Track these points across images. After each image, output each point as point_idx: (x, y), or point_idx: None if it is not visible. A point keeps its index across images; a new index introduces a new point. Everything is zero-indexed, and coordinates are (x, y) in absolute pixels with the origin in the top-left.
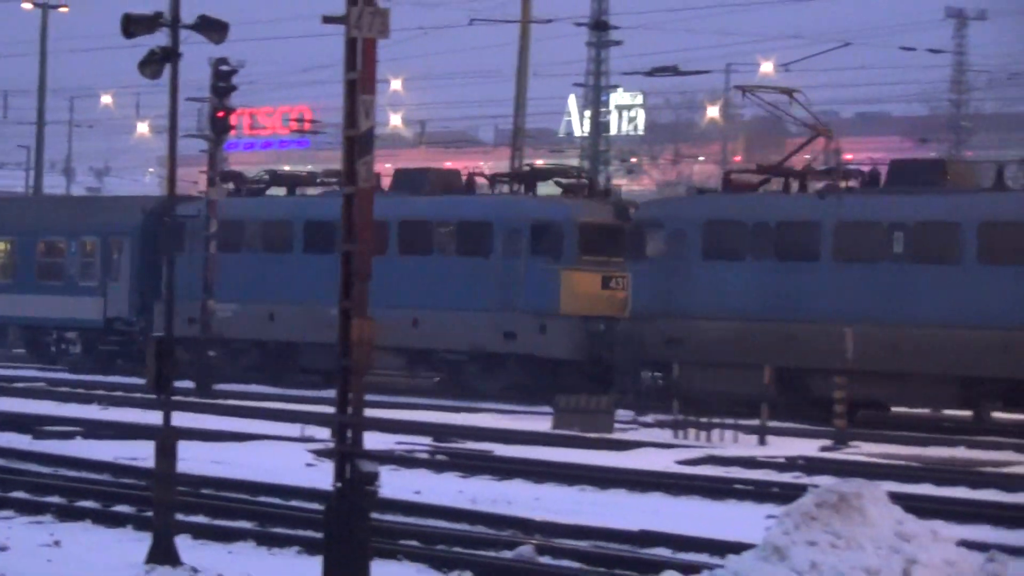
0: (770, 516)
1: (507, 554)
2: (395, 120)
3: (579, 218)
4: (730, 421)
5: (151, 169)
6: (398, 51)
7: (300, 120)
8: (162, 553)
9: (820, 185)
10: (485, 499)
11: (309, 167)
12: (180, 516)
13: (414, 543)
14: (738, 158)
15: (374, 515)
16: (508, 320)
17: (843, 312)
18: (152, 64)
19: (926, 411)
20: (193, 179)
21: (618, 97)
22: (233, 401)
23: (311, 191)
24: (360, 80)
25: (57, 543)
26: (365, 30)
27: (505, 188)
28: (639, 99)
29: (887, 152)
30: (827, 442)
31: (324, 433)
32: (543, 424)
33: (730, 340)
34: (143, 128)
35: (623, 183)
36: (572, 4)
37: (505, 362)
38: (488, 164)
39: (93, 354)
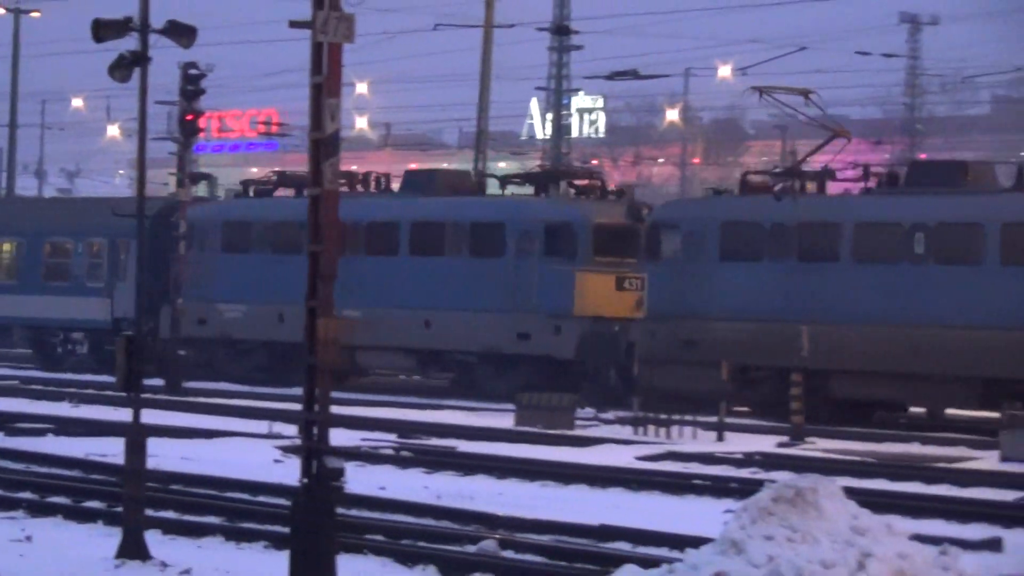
0: (728, 511)
1: (471, 548)
2: (361, 123)
3: (593, 219)
4: (689, 417)
5: (121, 171)
6: (364, 55)
7: (268, 123)
8: (132, 548)
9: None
10: (449, 494)
11: (276, 168)
12: (150, 512)
13: (380, 538)
14: (697, 160)
15: (340, 510)
16: (522, 321)
17: (861, 313)
18: (122, 68)
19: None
20: (163, 180)
21: (579, 100)
22: (202, 399)
23: None
24: (326, 84)
25: (29, 538)
26: (331, 35)
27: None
28: (600, 102)
29: (845, 153)
30: (784, 438)
31: (292, 430)
32: (506, 421)
33: (746, 341)
34: (113, 131)
35: None
36: (534, 9)
37: (518, 363)
38: (451, 166)
39: (100, 355)
